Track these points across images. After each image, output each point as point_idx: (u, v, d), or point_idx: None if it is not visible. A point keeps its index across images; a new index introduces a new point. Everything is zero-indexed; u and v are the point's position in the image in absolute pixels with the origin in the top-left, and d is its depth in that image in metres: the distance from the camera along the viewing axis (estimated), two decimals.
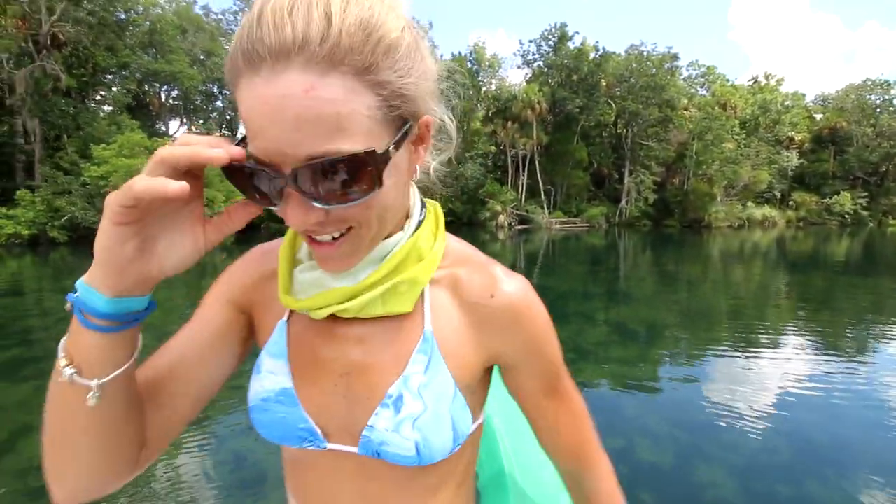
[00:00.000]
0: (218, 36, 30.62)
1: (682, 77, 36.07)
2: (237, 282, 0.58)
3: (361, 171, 0.38)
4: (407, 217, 0.52)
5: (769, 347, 5.57)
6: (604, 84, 31.96)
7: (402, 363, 0.51)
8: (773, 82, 41.88)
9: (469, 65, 33.54)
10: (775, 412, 3.75)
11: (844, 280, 11.62)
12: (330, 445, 0.53)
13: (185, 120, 30.24)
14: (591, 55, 32.77)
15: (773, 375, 4.56)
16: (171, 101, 29.36)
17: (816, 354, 5.36)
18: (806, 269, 13.66)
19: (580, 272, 12.40)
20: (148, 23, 24.32)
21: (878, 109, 38.82)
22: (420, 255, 0.51)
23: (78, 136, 19.88)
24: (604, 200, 34.24)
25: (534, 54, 35.39)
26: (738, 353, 5.31)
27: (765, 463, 2.96)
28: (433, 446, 0.49)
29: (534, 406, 0.57)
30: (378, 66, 0.38)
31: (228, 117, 31.97)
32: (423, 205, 0.55)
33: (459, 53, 34.45)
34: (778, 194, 38.48)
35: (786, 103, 38.31)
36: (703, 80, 40.50)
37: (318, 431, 0.52)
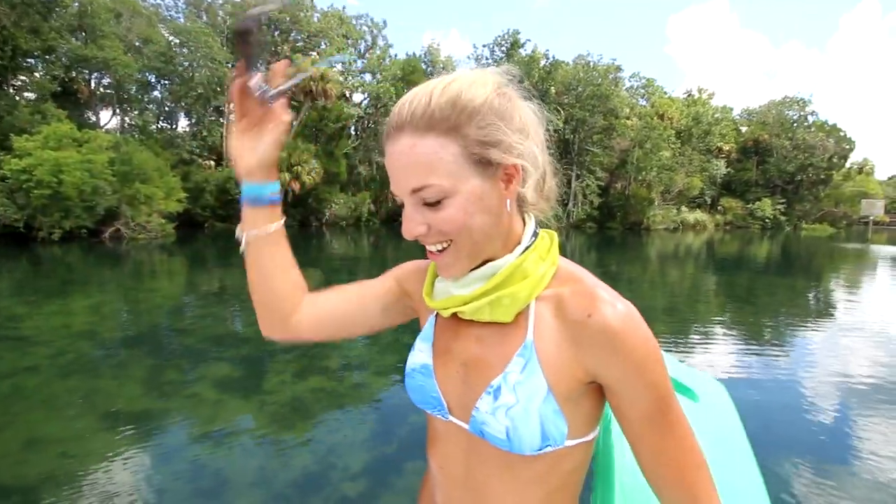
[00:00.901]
0: (157, 22, 28.80)
1: (625, 88, 38.00)
2: (406, 270, 0.78)
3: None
4: (518, 243, 0.63)
5: (701, 341, 6.10)
6: (553, 91, 33.11)
7: (505, 362, 0.61)
8: (704, 96, 45.03)
9: (423, 66, 33.63)
10: None
11: (765, 279, 12.80)
12: (451, 418, 0.66)
13: (117, 110, 28.18)
14: (542, 63, 33.85)
15: (703, 366, 5.00)
16: (101, 89, 27.26)
17: (742, 346, 5.93)
18: (732, 269, 14.89)
19: None
20: (77, 4, 22.47)
21: (795, 124, 42.76)
22: (525, 274, 0.61)
23: None
24: None
25: (487, 59, 36.06)
26: (673, 347, 5.77)
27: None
28: (522, 437, 0.58)
29: (635, 433, 0.60)
30: (461, 126, 0.55)
31: (167, 108, 30.14)
32: (536, 233, 0.65)
33: (414, 54, 34.51)
34: (708, 200, 41.44)
35: (716, 116, 41.28)
36: (643, 91, 42.89)
37: (445, 403, 0.66)
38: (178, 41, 28.01)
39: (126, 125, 28.07)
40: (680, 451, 0.59)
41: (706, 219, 38.79)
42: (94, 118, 27.09)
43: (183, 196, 21.29)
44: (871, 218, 44.76)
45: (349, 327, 0.77)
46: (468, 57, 41.15)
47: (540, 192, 0.63)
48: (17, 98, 20.58)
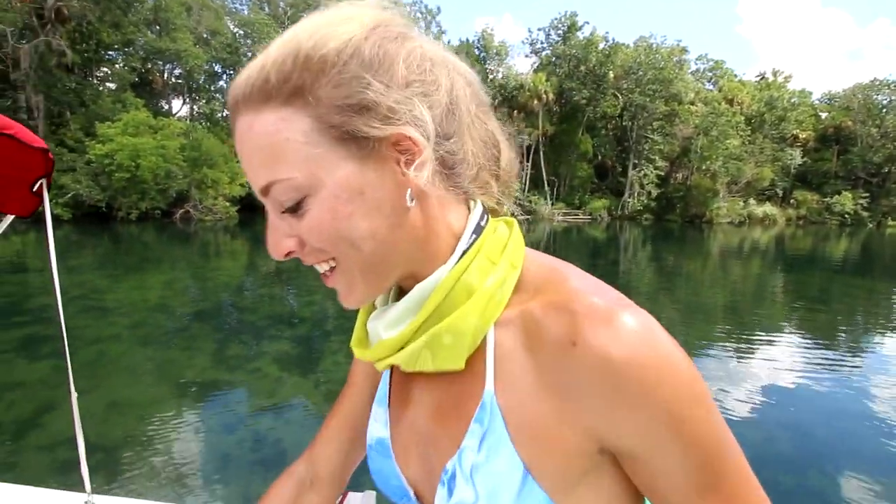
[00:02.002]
0: (223, 15, 30.23)
1: (690, 71, 35.81)
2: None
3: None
4: (454, 247, 0.43)
5: (767, 344, 5.71)
6: (611, 76, 31.74)
7: (460, 432, 0.41)
8: (780, 79, 41.58)
9: (476, 52, 33.24)
10: (775, 406, 3.89)
11: (841, 280, 11.77)
12: None
13: (187, 99, 30.01)
14: (600, 46, 32.49)
15: (771, 370, 4.70)
16: (173, 79, 29.11)
17: (813, 351, 5.50)
18: (804, 268, 13.80)
19: (581, 265, 12.48)
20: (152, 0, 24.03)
21: (885, 110, 38.61)
22: (469, 291, 0.41)
23: (81, 113, 19.78)
24: (606, 193, 34.24)
25: (542, 43, 35.11)
26: (737, 349, 5.45)
27: (767, 454, 3.10)
28: None
29: None
30: (308, 87, 0.36)
31: None
32: (479, 230, 0.43)
33: (467, 40, 34.20)
34: (780, 192, 38.48)
35: (792, 101, 38.08)
36: (711, 74, 40.22)
37: (410, 491, 0.48)
38: (242, 33, 29.33)
39: (195, 113, 29.87)
40: None
41: (776, 213, 36.08)
42: (166, 107, 29.07)
43: (245, 181, 22.49)
44: None
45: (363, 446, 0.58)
46: (522, 41, 40.23)
47: (481, 168, 0.45)
48: (101, 88, 22.40)
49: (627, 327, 0.35)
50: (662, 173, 33.50)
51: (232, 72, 30.28)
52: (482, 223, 0.44)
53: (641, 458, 0.37)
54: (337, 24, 0.37)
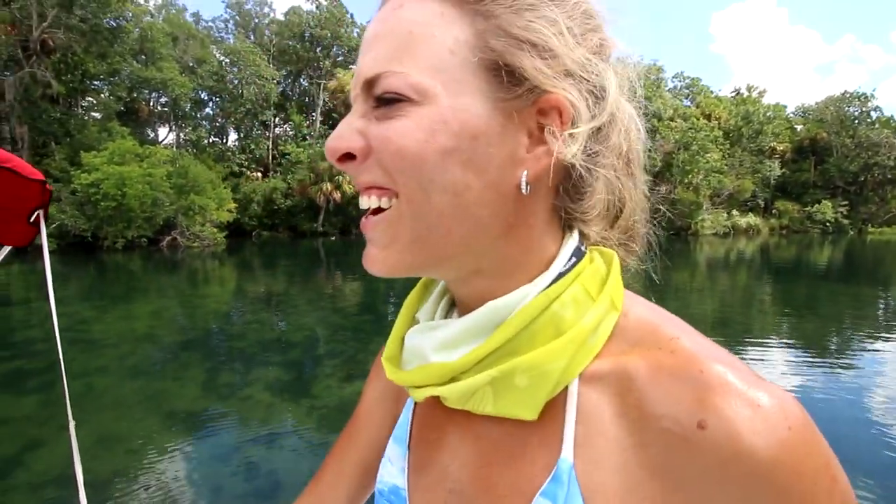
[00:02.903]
0: (209, 43, 30.58)
1: (667, 88, 36.86)
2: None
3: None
4: (546, 265, 0.34)
5: (758, 352, 5.77)
6: None
7: (521, 500, 0.32)
8: (755, 94, 42.98)
9: None
10: None
11: (827, 287, 11.99)
12: None
13: (173, 127, 30.06)
14: None
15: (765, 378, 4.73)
16: (159, 107, 29.21)
17: (803, 358, 5.57)
18: (790, 277, 14.03)
19: None
20: (138, 30, 24.24)
21: (857, 121, 40.03)
22: (559, 327, 0.32)
23: (66, 143, 19.69)
24: None
25: None
26: None
27: None
28: None
29: None
30: None
31: (218, 124, 31.86)
32: (579, 254, 0.35)
33: None
34: (761, 203, 39.35)
35: (767, 114, 39.31)
36: (688, 91, 41.44)
37: None
38: (228, 61, 29.67)
39: (181, 140, 29.89)
40: None
41: (759, 223, 36.83)
42: (152, 135, 29.12)
43: (233, 206, 22.44)
44: None
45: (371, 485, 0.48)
46: None
47: (611, 208, 0.37)
48: (86, 118, 22.37)
49: (779, 416, 0.27)
50: (647, 188, 34.09)
51: (218, 98, 30.51)
52: (582, 247, 0.36)
53: None
54: None
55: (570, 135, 0.31)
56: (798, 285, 12.30)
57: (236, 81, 29.50)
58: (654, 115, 32.68)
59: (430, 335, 0.35)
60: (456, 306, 0.39)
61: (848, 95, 40.87)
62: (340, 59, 34.10)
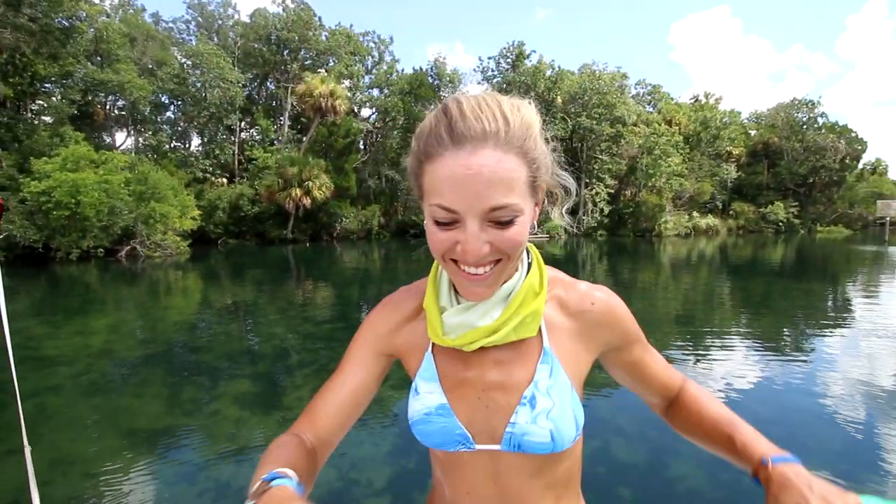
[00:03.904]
0: (170, 45, 29.57)
1: (630, 95, 38.02)
2: (381, 331, 0.74)
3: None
4: (520, 261, 0.66)
5: (718, 348, 6.00)
6: (559, 101, 33.24)
7: (530, 373, 0.65)
8: (712, 101, 44.89)
9: (430, 80, 34.00)
10: (730, 407, 4.06)
11: (781, 283, 12.60)
12: (478, 446, 0.66)
13: (132, 131, 28.87)
14: (547, 73, 34.06)
15: (725, 373, 4.93)
16: (116, 111, 27.97)
17: (761, 352, 5.83)
18: (747, 275, 14.67)
19: None
20: (92, 30, 23.18)
21: (805, 126, 42.34)
22: (535, 289, 0.65)
23: (14, 149, 18.59)
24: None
25: (493, 70, 36.38)
26: (691, 354, 5.69)
27: None
28: (563, 433, 0.63)
29: (640, 365, 0.74)
30: (529, 149, 0.56)
31: (180, 128, 30.79)
32: (527, 252, 0.69)
33: (420, 68, 34.95)
34: (720, 204, 41.04)
35: (724, 120, 41.05)
36: (650, 97, 42.87)
37: (470, 436, 0.66)
38: (190, 63, 28.73)
39: (140, 145, 28.71)
40: (662, 359, 0.78)
41: (718, 224, 38.38)
42: (109, 139, 27.81)
43: (197, 214, 21.65)
44: (888, 219, 43.92)
45: (356, 419, 0.73)
46: (474, 69, 41.51)
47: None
48: (36, 122, 21.19)
49: (607, 290, 0.70)
50: (612, 191, 35.05)
51: (180, 102, 29.48)
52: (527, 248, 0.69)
53: (622, 347, 0.72)
54: (530, 108, 0.59)
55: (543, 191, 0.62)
56: (754, 282, 12.88)
57: (199, 84, 28.59)
58: (619, 121, 33.69)
59: (472, 311, 0.64)
60: (458, 292, 0.66)
61: (797, 102, 43.22)
62: (308, 62, 33.55)
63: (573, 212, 35.73)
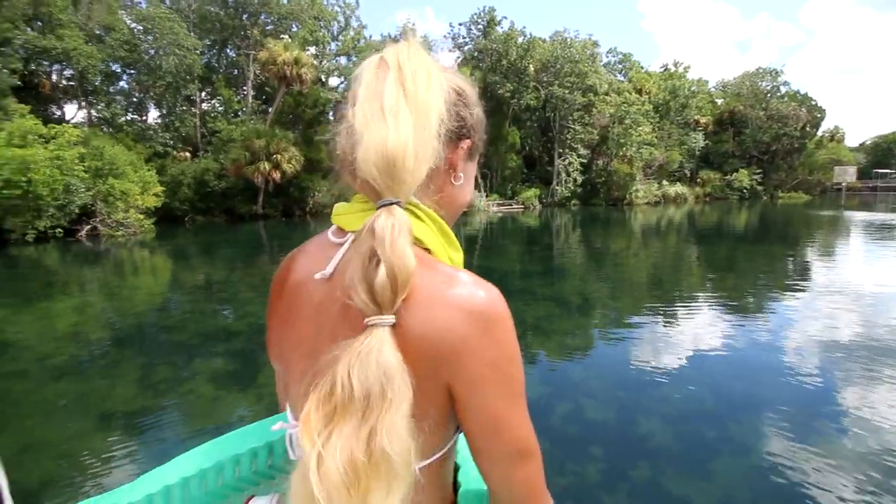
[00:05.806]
0: (118, 9, 27.55)
1: (602, 63, 37.88)
2: None
3: None
4: None
5: (686, 310, 6.26)
6: (531, 69, 32.83)
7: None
8: (681, 69, 45.19)
9: None
10: (697, 366, 4.28)
11: (744, 247, 13.14)
12: None
13: (82, 103, 27.10)
14: (519, 40, 33.46)
15: (692, 334, 5.16)
16: (64, 81, 26.13)
17: (726, 313, 6.11)
18: (713, 240, 15.22)
19: (517, 251, 12.92)
20: None
21: (769, 95, 43.31)
22: None
23: None
24: (536, 182, 35.48)
25: (464, 37, 35.49)
26: (662, 317, 5.92)
27: (692, 410, 3.41)
28: None
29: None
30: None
31: (136, 99, 29.08)
32: None
33: (389, 35, 33.72)
34: (688, 173, 41.97)
35: (692, 89, 41.51)
36: (621, 66, 42.84)
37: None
38: (141, 28, 26.92)
39: (93, 118, 27.02)
40: None
41: (686, 191, 39.35)
42: (58, 112, 26.08)
43: (160, 190, 20.75)
44: (844, 184, 46.01)
45: None
46: (444, 36, 40.38)
47: None
48: None
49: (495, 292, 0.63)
50: (585, 161, 35.29)
51: (133, 71, 27.77)
52: None
53: None
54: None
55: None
56: (720, 247, 13.38)
57: (152, 52, 26.90)
58: (591, 90, 33.62)
59: None
60: None
61: (761, 71, 44.02)
62: (270, 27, 31.92)
63: (547, 182, 36.03)
